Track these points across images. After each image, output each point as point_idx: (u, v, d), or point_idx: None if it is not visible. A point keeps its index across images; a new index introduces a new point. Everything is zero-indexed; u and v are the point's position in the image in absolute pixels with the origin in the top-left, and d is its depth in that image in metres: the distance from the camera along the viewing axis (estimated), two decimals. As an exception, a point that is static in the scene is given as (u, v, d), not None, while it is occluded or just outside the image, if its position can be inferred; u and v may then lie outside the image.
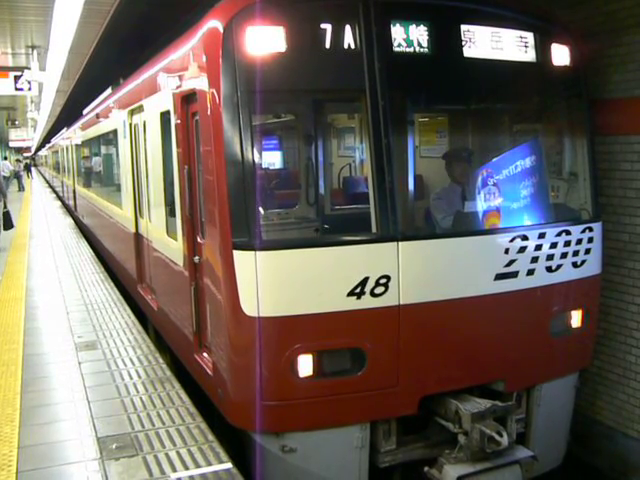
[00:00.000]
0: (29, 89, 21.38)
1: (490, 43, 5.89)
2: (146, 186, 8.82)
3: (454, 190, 6.45)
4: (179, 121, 6.52)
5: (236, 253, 5.13)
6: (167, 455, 5.14)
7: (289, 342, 5.18)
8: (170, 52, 7.10)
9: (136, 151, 9.49)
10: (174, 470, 4.91)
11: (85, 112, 19.72)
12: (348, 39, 5.34)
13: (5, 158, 44.51)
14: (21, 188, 41.60)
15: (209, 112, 5.35)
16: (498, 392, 6.00)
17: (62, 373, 7.08)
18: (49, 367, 7.31)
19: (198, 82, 5.70)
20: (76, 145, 21.18)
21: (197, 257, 6.30)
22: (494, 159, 6.40)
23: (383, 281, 5.25)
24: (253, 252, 5.06)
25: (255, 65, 5.12)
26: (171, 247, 7.30)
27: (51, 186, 44.85)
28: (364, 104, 5.40)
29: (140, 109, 8.83)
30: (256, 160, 5.34)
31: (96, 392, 6.48)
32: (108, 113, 12.48)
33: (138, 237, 9.72)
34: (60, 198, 32.59)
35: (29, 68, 20.19)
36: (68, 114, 29.81)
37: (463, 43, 5.77)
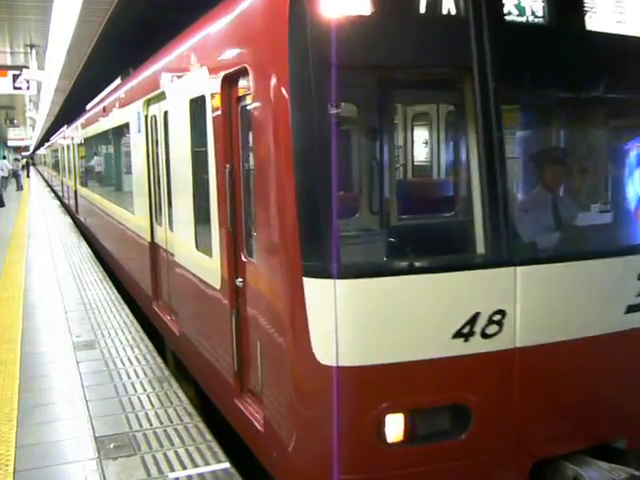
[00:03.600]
0: (27, 88, 21.41)
1: (615, 15, 4.69)
2: (166, 189, 7.54)
3: (543, 198, 5.19)
4: (219, 108, 5.23)
5: (308, 282, 3.98)
6: (165, 455, 5.14)
7: (376, 398, 4.06)
8: (207, 23, 5.77)
9: (153, 147, 8.24)
10: (172, 470, 4.91)
11: (89, 107, 18.41)
12: (449, 1, 4.21)
13: (4, 157, 44.52)
14: (19, 187, 41.57)
15: (271, 95, 4.15)
16: (611, 449, 4.80)
17: (60, 372, 7.08)
18: (47, 366, 7.29)
19: (252, 56, 4.50)
20: (78, 143, 19.61)
21: (240, 279, 5.08)
22: (615, 159, 5.44)
23: (497, 318, 4.15)
24: (331, 281, 3.90)
25: (333, 32, 3.92)
26: (202, 264, 5.99)
27: (49, 185, 44.83)
28: (470, 86, 4.22)
29: (160, 97, 7.55)
30: (335, 159, 4.22)
31: (94, 391, 6.46)
32: (118, 105, 11.13)
33: (154, 247, 8.43)
34: (59, 198, 32.56)
35: (28, 67, 20.21)
36: (67, 113, 29.83)
37: (584, 13, 4.56)
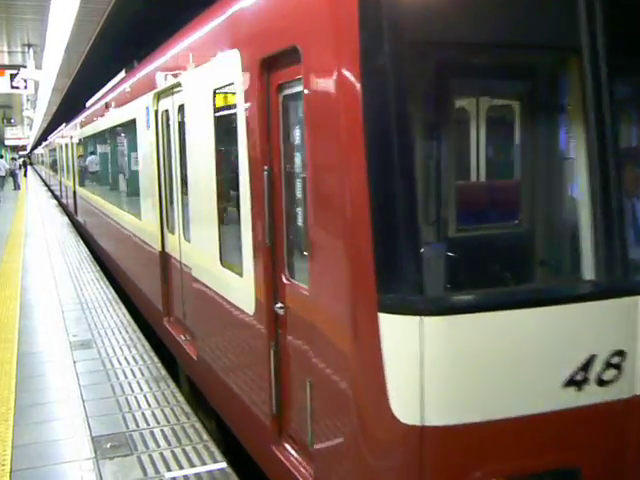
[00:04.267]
0: (25, 87, 21.43)
1: None
2: (181, 193, 6.74)
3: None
4: (254, 99, 4.34)
5: (385, 319, 3.18)
6: (161, 454, 5.14)
7: (469, 464, 3.31)
8: None
9: (165, 145, 7.43)
10: (168, 469, 4.92)
11: (89, 104, 17.38)
12: None
13: (1, 157, 44.48)
14: (17, 187, 41.54)
15: (333, 82, 3.30)
16: None
17: (57, 372, 7.08)
18: (44, 366, 7.29)
19: (305, 33, 3.61)
20: (77, 142, 18.55)
21: (280, 305, 4.26)
22: None
23: (615, 360, 3.41)
24: (418, 318, 3.12)
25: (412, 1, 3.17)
26: (230, 283, 5.16)
27: (47, 185, 44.80)
28: (577, 70, 3.45)
29: (174, 89, 6.73)
30: (421, 162, 3.50)
31: (91, 391, 6.47)
32: (123, 100, 10.24)
33: (165, 257, 7.63)
34: (57, 198, 32.54)
35: (25, 66, 20.23)
36: (65, 112, 29.86)
37: None
